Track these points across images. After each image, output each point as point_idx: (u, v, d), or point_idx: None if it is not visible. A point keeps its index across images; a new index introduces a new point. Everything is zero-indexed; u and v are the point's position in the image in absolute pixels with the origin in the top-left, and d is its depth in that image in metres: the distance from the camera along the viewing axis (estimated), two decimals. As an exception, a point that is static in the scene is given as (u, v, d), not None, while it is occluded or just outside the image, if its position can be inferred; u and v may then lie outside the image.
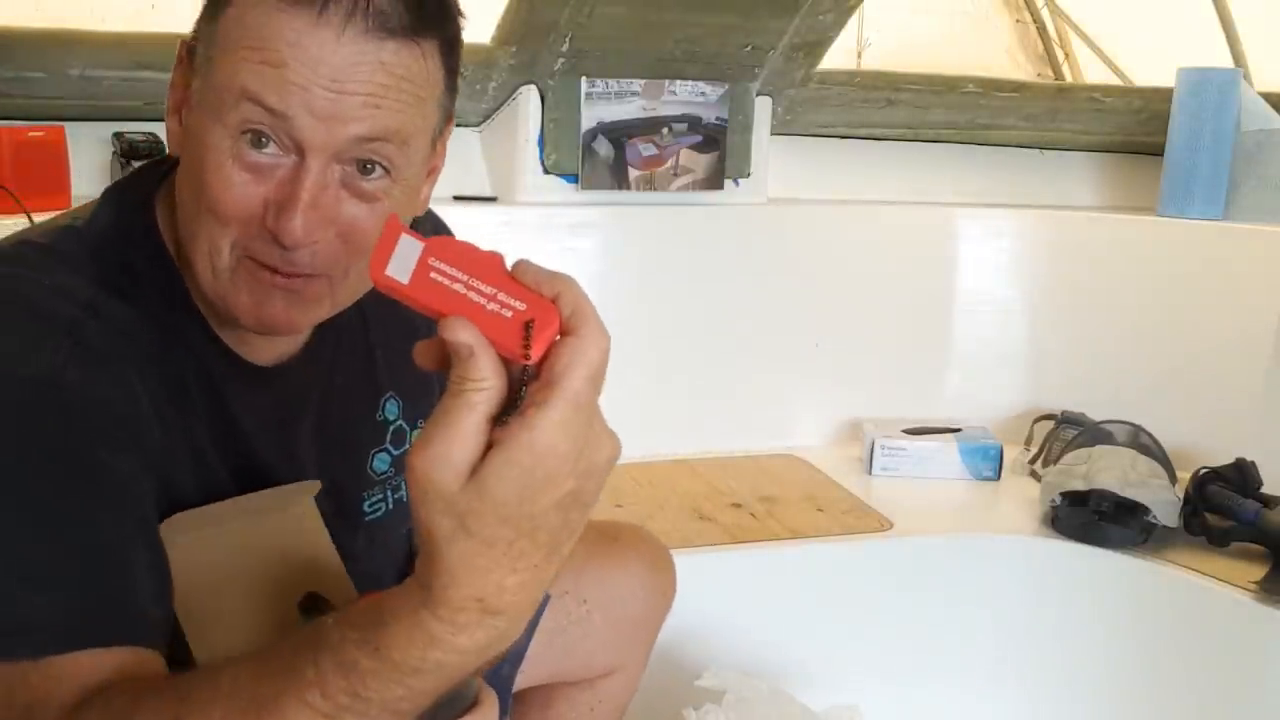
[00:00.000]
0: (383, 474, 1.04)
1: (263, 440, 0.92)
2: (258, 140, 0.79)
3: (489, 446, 0.58)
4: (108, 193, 0.91)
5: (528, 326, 0.58)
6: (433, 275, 0.60)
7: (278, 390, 0.94)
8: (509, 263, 0.62)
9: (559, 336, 0.59)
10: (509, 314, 0.59)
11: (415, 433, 1.05)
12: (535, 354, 0.58)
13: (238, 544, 0.83)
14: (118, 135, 1.74)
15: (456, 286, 0.59)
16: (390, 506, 1.05)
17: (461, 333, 0.58)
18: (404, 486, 1.05)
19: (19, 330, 0.79)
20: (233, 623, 0.79)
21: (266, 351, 0.93)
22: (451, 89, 0.87)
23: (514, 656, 1.18)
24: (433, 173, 0.92)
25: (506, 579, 0.61)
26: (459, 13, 0.86)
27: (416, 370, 0.97)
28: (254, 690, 0.65)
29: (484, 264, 0.60)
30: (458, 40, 0.86)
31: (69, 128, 1.71)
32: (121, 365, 0.81)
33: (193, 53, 0.84)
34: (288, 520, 0.84)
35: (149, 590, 0.77)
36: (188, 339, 0.88)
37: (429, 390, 1.07)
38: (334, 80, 0.78)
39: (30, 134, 1.66)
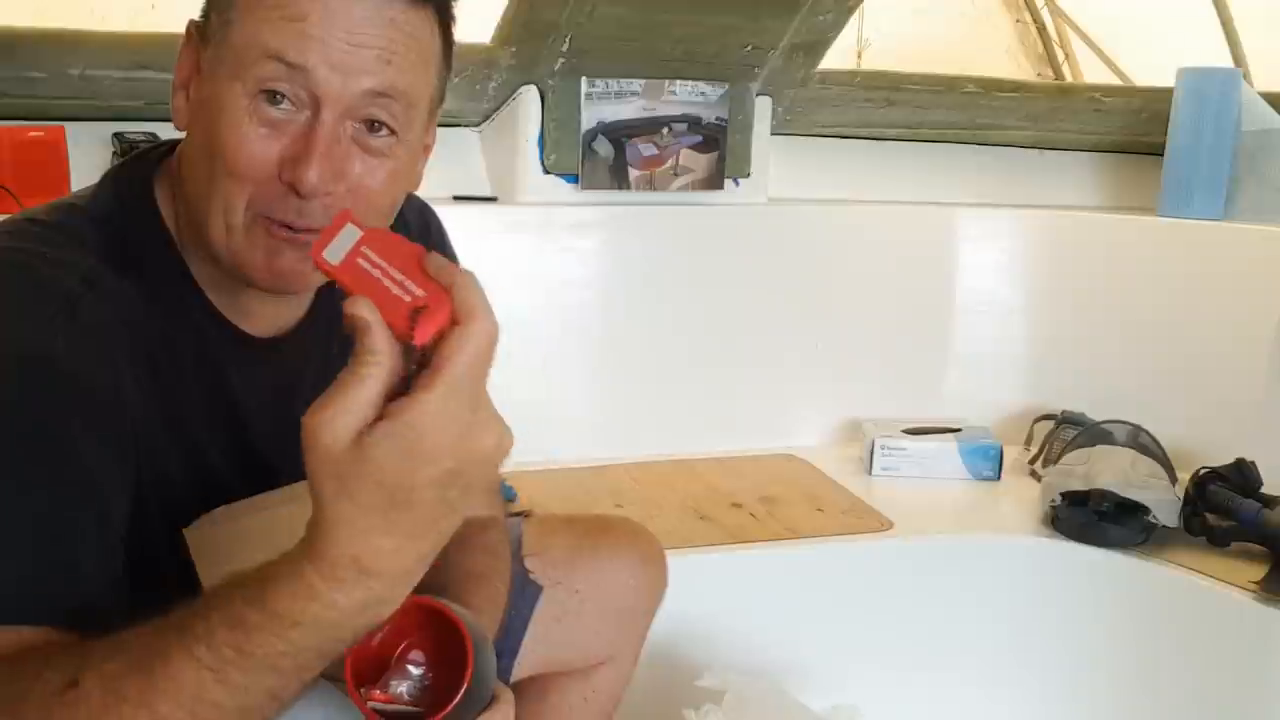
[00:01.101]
0: None
1: (259, 413, 0.95)
2: (273, 98, 0.83)
3: (380, 419, 0.63)
4: (108, 175, 0.93)
5: (416, 311, 0.65)
6: (359, 260, 0.67)
7: (276, 362, 0.96)
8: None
9: (451, 325, 0.65)
10: (408, 299, 0.65)
11: None
12: (419, 338, 0.64)
13: (262, 537, 0.84)
14: (118, 135, 1.74)
15: (375, 272, 0.66)
16: None
17: (361, 309, 0.64)
18: None
19: (16, 303, 0.81)
20: None
21: (265, 323, 0.95)
22: (447, 65, 0.92)
23: (509, 649, 1.20)
24: (426, 150, 0.96)
25: (383, 542, 0.65)
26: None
27: None
28: (147, 644, 0.69)
29: (404, 255, 0.67)
30: (453, 21, 0.91)
31: (69, 128, 1.71)
32: (113, 341, 0.83)
33: (202, 29, 0.87)
34: (308, 514, 0.86)
35: (97, 581, 0.79)
36: (186, 311, 0.90)
37: None
38: (350, 33, 0.82)
39: (30, 134, 1.67)
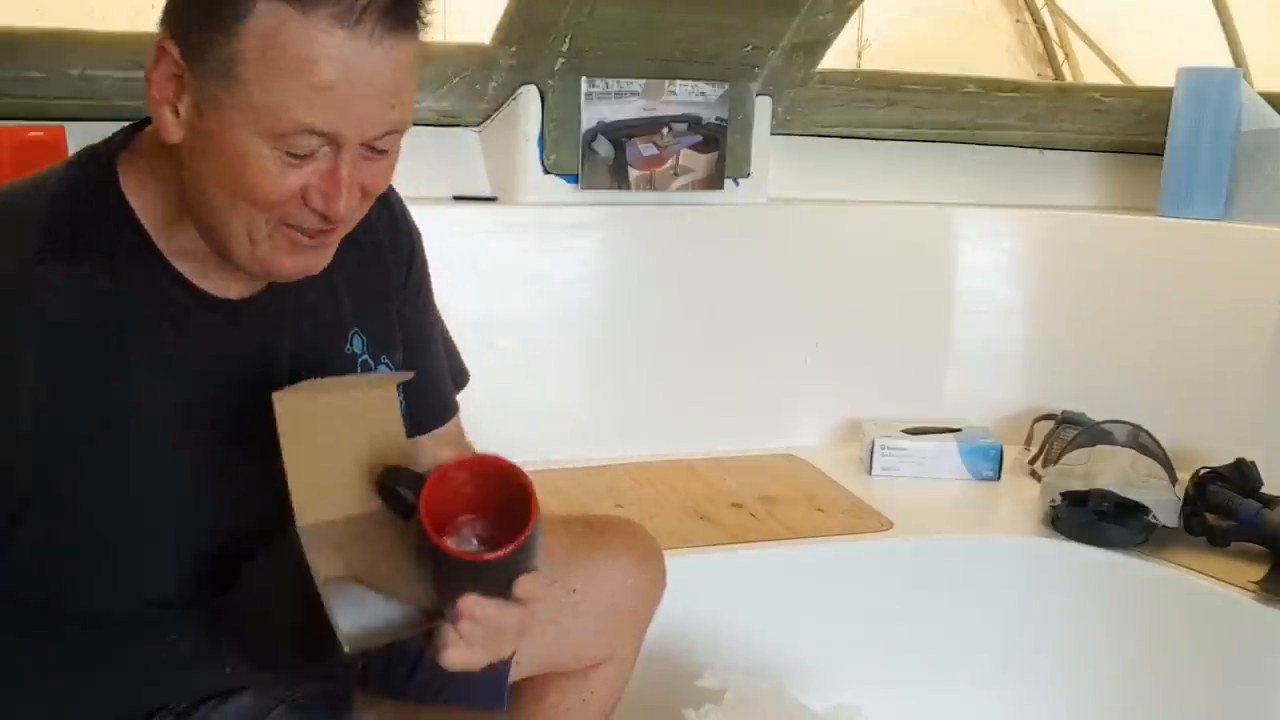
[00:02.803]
0: None
1: (238, 371, 0.98)
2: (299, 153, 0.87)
3: None
4: (77, 155, 0.97)
5: None
6: None
7: (248, 323, 0.99)
8: None
9: None
10: None
11: (380, 367, 1.11)
12: None
13: (342, 415, 0.92)
14: (118, 135, 1.75)
15: None
16: None
17: None
18: None
19: None
20: (327, 481, 0.90)
21: (234, 287, 0.98)
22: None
23: None
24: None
25: None
26: None
27: (377, 307, 1.09)
28: None
29: None
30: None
31: (69, 128, 1.71)
32: (26, 332, 0.88)
33: (190, 54, 0.86)
34: (377, 402, 0.95)
35: None
36: (154, 283, 0.94)
37: (389, 326, 1.13)
38: (368, 84, 0.86)
39: (30, 134, 1.66)
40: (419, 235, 1.19)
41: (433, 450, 1.18)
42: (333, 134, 0.86)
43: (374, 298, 1.12)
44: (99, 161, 0.95)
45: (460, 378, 1.27)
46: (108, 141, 0.97)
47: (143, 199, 0.94)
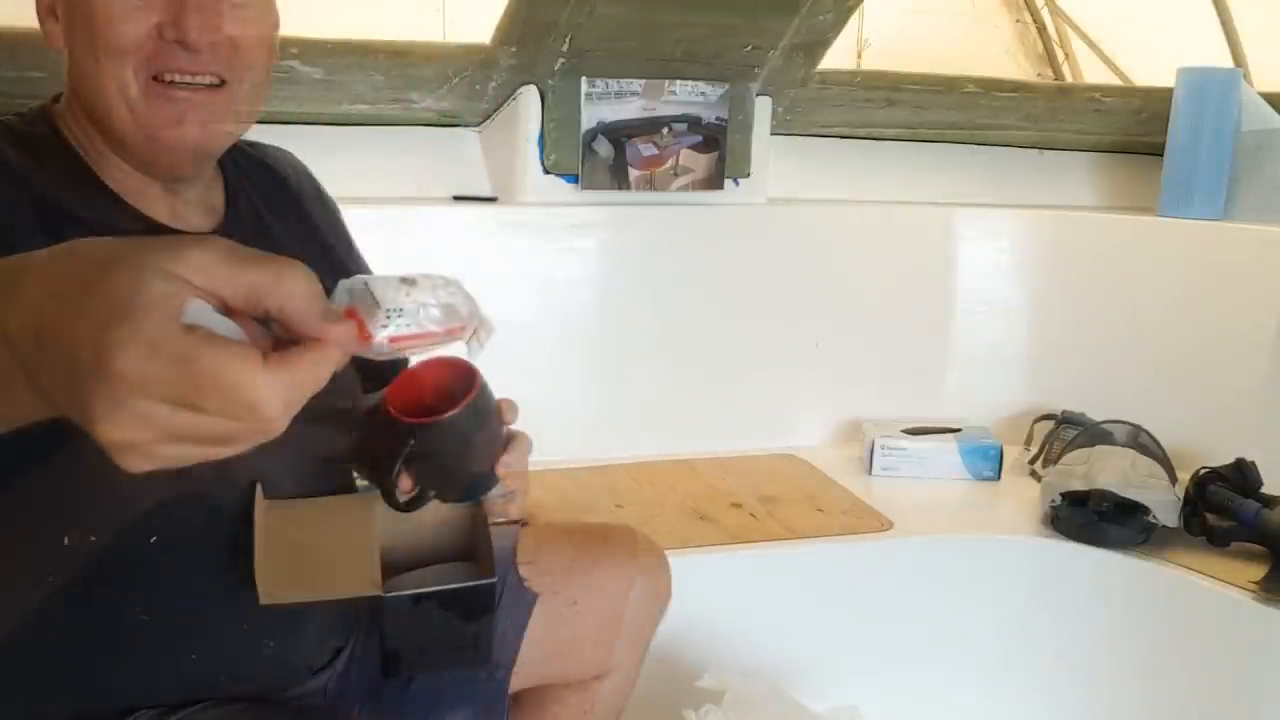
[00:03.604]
0: None
1: None
2: None
3: None
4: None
5: None
6: None
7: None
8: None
9: None
10: None
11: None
12: None
13: None
14: (118, 135, 1.75)
15: None
16: None
17: None
18: None
19: None
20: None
21: (168, 214, 1.02)
22: None
23: (504, 660, 1.19)
24: (275, 25, 1.06)
25: None
26: None
27: (313, 249, 1.10)
28: None
29: None
30: None
31: (69, 128, 1.71)
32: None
33: None
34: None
35: None
36: (92, 202, 0.97)
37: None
38: None
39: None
40: (313, 179, 1.24)
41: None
42: None
43: (309, 242, 1.15)
44: (34, 112, 1.03)
45: None
46: (37, 106, 1.06)
47: (76, 135, 1.00)
